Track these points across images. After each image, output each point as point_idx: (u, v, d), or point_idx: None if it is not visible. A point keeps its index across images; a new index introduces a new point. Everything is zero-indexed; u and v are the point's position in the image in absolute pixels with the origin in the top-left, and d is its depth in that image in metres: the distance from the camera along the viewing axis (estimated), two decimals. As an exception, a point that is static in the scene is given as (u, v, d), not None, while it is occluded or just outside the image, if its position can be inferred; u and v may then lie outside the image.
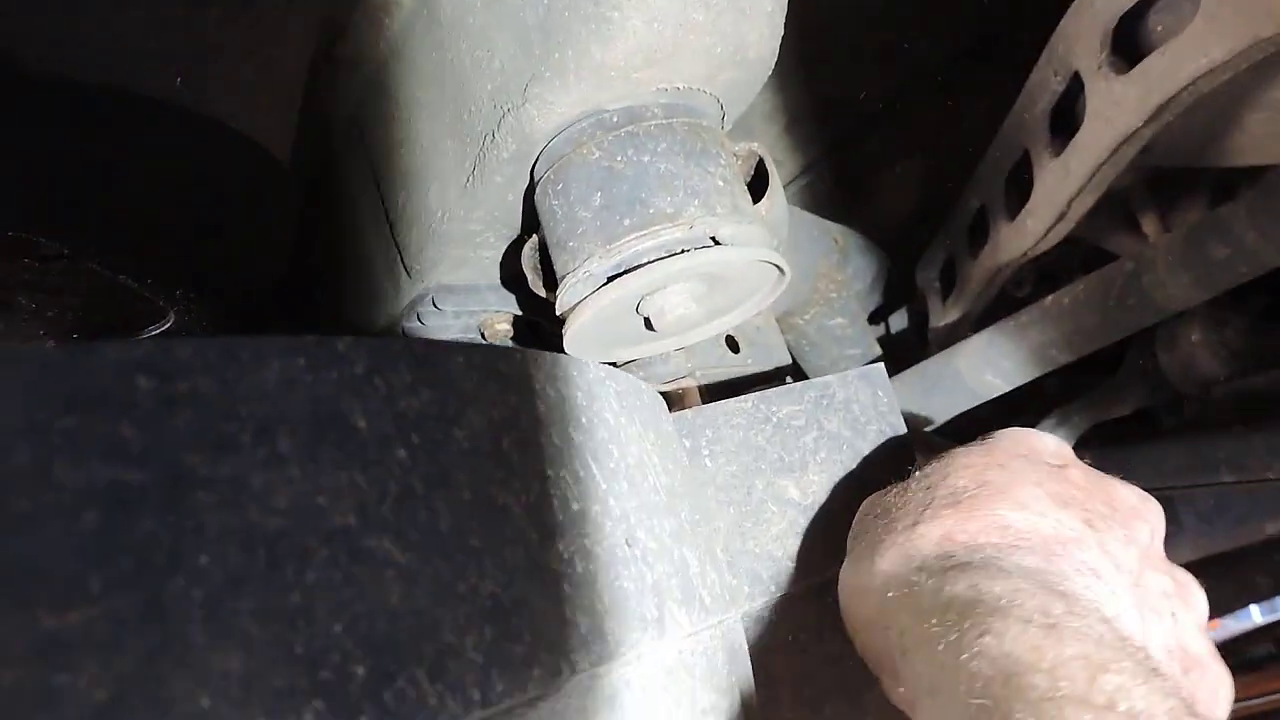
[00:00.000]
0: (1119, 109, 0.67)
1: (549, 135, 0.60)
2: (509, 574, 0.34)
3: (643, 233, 0.57)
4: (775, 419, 0.65)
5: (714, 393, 0.79)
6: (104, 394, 0.27)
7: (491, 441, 0.37)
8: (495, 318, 0.81)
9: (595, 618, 0.37)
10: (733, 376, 0.82)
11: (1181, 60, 0.60)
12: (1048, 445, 0.55)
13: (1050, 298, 0.84)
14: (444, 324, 0.81)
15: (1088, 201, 0.77)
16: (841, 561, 0.56)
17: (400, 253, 0.78)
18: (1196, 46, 0.59)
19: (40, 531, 0.25)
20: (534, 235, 0.66)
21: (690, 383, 0.79)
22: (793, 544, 0.60)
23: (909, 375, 0.97)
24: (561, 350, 0.62)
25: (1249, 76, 0.62)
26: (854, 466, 0.65)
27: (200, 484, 0.28)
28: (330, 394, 0.32)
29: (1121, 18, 0.65)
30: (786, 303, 1.00)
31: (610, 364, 0.67)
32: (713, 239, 0.58)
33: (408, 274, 0.78)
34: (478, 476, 0.36)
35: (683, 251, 0.57)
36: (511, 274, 0.75)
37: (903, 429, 0.69)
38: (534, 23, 0.56)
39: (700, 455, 0.61)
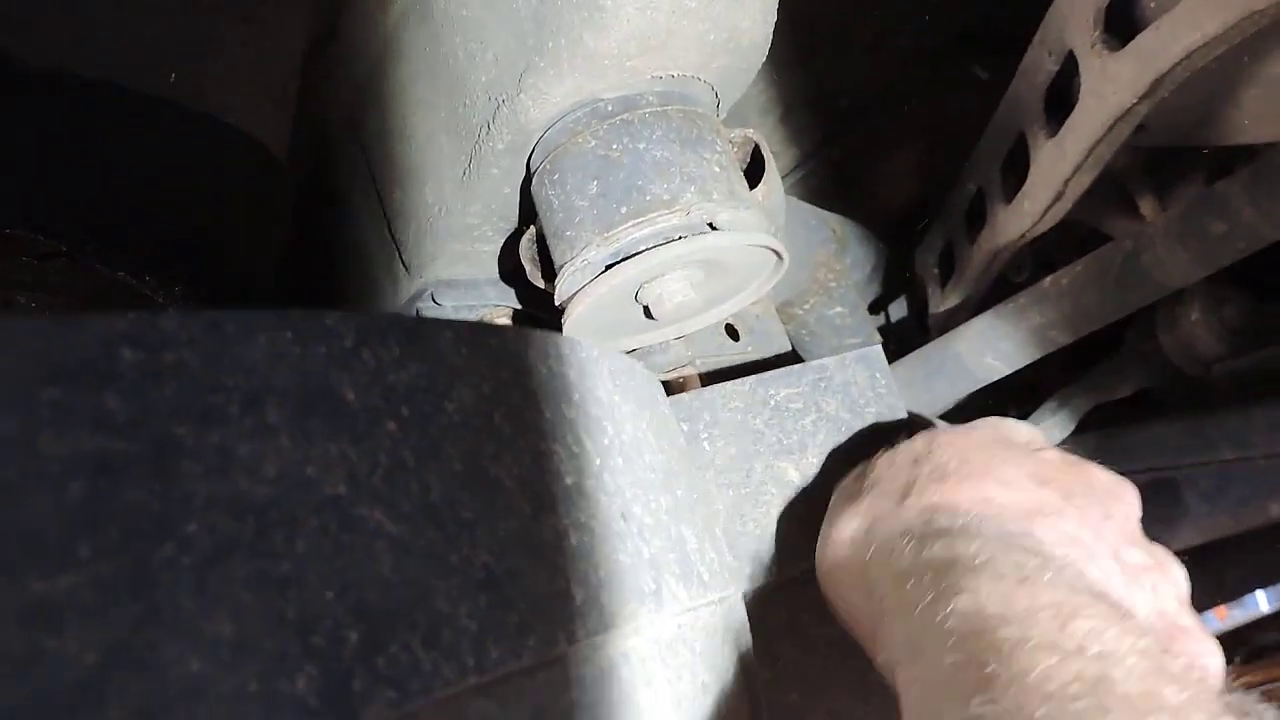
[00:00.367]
0: (1113, 86, 0.66)
1: (544, 125, 0.60)
2: (502, 545, 0.34)
3: (640, 220, 0.57)
4: (773, 402, 0.65)
5: (714, 381, 0.79)
6: (89, 365, 0.27)
7: (482, 416, 0.37)
8: (495, 312, 0.81)
9: (591, 589, 0.37)
10: (733, 364, 0.82)
11: (1175, 35, 0.60)
12: (1023, 432, 0.57)
13: (1049, 279, 0.84)
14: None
15: (1084, 181, 0.76)
16: None
17: (398, 249, 0.78)
18: (1189, 20, 0.58)
19: (27, 500, 0.25)
20: (531, 226, 0.66)
21: (690, 371, 0.79)
22: (793, 526, 0.60)
23: (910, 360, 0.97)
24: (562, 342, 0.62)
25: (1243, 52, 0.62)
26: (853, 449, 0.65)
27: (187, 454, 0.28)
28: (318, 367, 0.32)
29: (1114, -6, 0.65)
30: (785, 293, 1.00)
31: (608, 351, 0.66)
32: (710, 225, 0.58)
33: (406, 270, 0.77)
34: (469, 450, 0.36)
35: (680, 238, 0.57)
36: (510, 268, 0.75)
37: (902, 411, 0.69)
38: (527, 13, 0.56)
39: (699, 439, 0.61)
